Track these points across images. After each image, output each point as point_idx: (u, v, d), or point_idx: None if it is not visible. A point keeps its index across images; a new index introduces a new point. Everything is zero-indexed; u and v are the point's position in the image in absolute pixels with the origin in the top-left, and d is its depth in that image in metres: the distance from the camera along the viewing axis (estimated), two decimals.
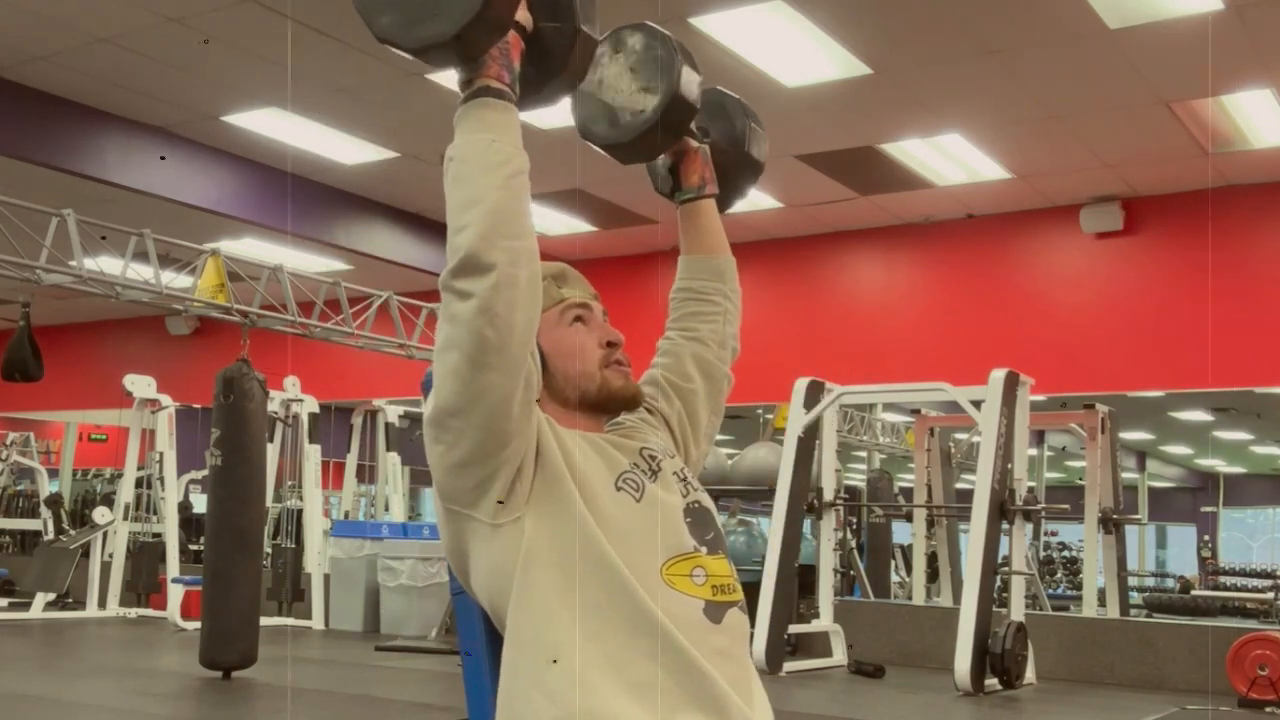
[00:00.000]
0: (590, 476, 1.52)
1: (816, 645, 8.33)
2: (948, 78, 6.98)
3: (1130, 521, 10.32)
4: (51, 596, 10.38)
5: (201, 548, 8.68)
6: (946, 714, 6.45)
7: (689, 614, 1.48)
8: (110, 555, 10.64)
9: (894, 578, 11.80)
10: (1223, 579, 14.68)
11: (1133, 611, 10.72)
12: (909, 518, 9.75)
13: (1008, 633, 6.88)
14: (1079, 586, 12.31)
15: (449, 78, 6.77)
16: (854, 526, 10.43)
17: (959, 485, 10.53)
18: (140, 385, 10.52)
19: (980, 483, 7.08)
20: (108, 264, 7.70)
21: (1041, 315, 9.12)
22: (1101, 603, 8.95)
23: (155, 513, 11.12)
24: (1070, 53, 6.59)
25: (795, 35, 6.46)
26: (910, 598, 9.99)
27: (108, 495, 12.69)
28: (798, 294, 10.13)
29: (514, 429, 1.45)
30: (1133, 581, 13.75)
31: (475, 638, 1.61)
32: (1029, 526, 7.85)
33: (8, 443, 13.59)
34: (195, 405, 12.00)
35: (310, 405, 10.53)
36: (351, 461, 11.82)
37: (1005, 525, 7.18)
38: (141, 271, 7.59)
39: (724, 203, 1.88)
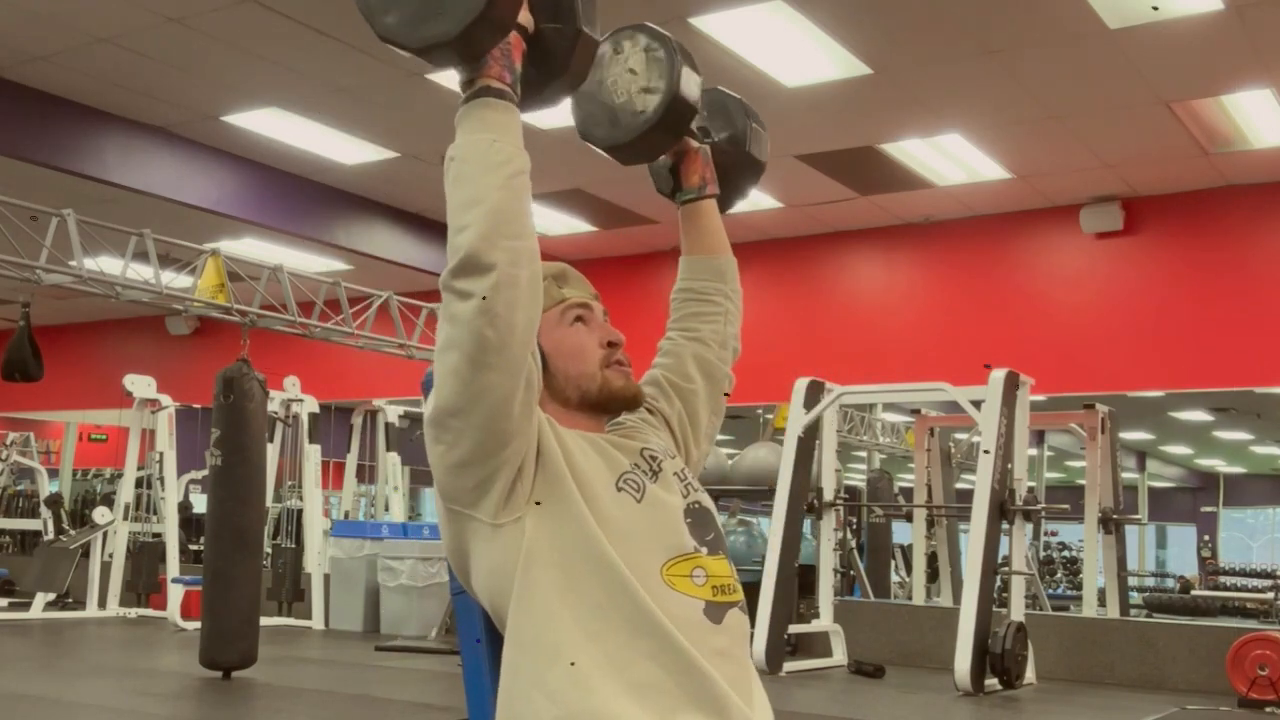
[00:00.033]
0: (591, 477, 1.52)
1: (816, 645, 8.33)
2: (948, 78, 6.98)
3: (1130, 521, 10.33)
4: (51, 596, 10.38)
5: (201, 548, 8.68)
6: (946, 714, 6.45)
7: (689, 614, 1.48)
8: (110, 555, 10.64)
9: (894, 578, 11.80)
10: (1223, 579, 14.68)
11: (1133, 611, 10.72)
12: (909, 518, 9.75)
13: (1008, 633, 6.88)
14: (1079, 586, 12.31)
15: (449, 78, 6.78)
16: (854, 526, 10.43)
17: (959, 485, 10.53)
18: (140, 385, 10.53)
19: (980, 483, 7.08)
20: (108, 264, 7.70)
21: (1041, 315, 9.12)
22: (1101, 603, 8.95)
23: (155, 513, 11.12)
24: (1070, 53, 6.59)
25: (795, 35, 6.46)
26: (910, 598, 9.99)
27: (108, 495, 12.70)
28: (798, 294, 10.13)
29: (514, 429, 1.45)
30: (1133, 581, 13.75)
31: (475, 637, 1.61)
32: (1029, 526, 7.85)
33: (8, 443, 13.59)
34: (195, 405, 12.00)
35: (310, 405, 10.53)
36: (351, 461, 11.83)
37: (1005, 525, 7.19)
38: (141, 271, 7.59)
39: (725, 203, 1.88)
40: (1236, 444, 17.13)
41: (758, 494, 9.68)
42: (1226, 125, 7.53)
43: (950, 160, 8.32)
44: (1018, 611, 7.17)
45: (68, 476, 15.13)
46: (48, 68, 7.33)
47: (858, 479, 12.65)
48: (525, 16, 1.48)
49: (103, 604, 10.50)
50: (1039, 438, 12.02)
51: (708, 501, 1.64)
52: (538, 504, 1.49)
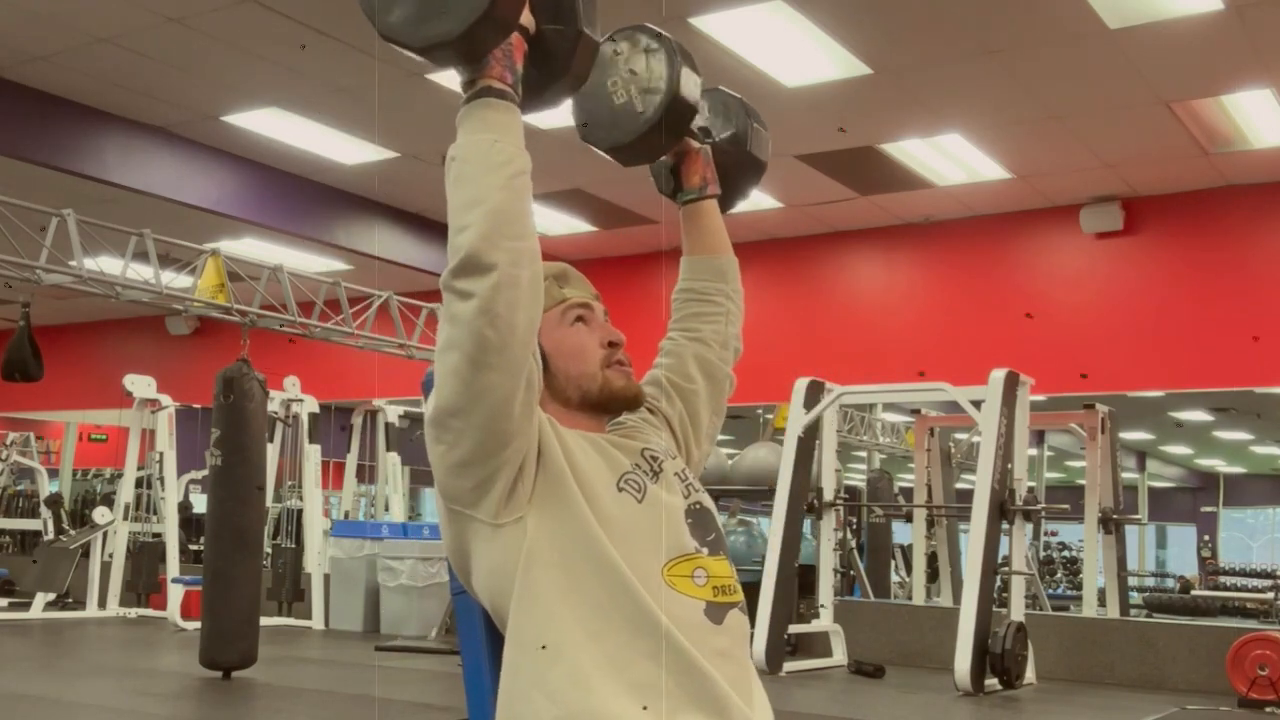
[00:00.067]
0: (592, 477, 1.52)
1: (816, 645, 8.33)
2: (948, 78, 6.98)
3: (1130, 521, 10.33)
4: (51, 596, 10.38)
5: (201, 548, 8.68)
6: (946, 714, 6.45)
7: (690, 615, 1.48)
8: (110, 555, 10.64)
9: (894, 578, 11.80)
10: (1223, 579, 14.67)
11: (1133, 611, 10.72)
12: (909, 518, 9.75)
13: (1008, 633, 6.88)
14: (1079, 586, 12.31)
15: (449, 78, 6.78)
16: (854, 526, 10.43)
17: (959, 485, 10.53)
18: (140, 385, 10.53)
19: (980, 483, 7.08)
20: (108, 264, 7.71)
21: (1042, 315, 9.12)
22: (1101, 603, 8.95)
23: (155, 513, 11.12)
24: (1070, 53, 6.59)
25: (795, 35, 6.46)
26: (910, 598, 9.99)
27: (108, 495, 12.70)
28: (798, 294, 10.13)
29: (515, 429, 1.45)
30: (1133, 581, 13.74)
31: (475, 638, 1.61)
32: (1029, 526, 7.85)
33: (8, 443, 13.59)
34: (195, 405, 12.00)
35: (310, 405, 10.53)
36: (351, 461, 11.83)
37: (1005, 525, 7.19)
38: (141, 271, 7.59)
39: (726, 203, 1.88)
40: (1236, 444, 17.13)
41: (758, 494, 9.68)
42: (1226, 125, 7.53)
43: (950, 160, 8.32)
44: (1018, 611, 7.16)
45: (68, 476, 15.13)
46: (48, 68, 7.33)
47: (858, 479, 12.65)
48: (526, 17, 1.47)
49: (103, 604, 10.50)
50: (1039, 438, 12.02)
51: (708, 502, 1.64)
52: (539, 504, 1.49)
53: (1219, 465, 20.07)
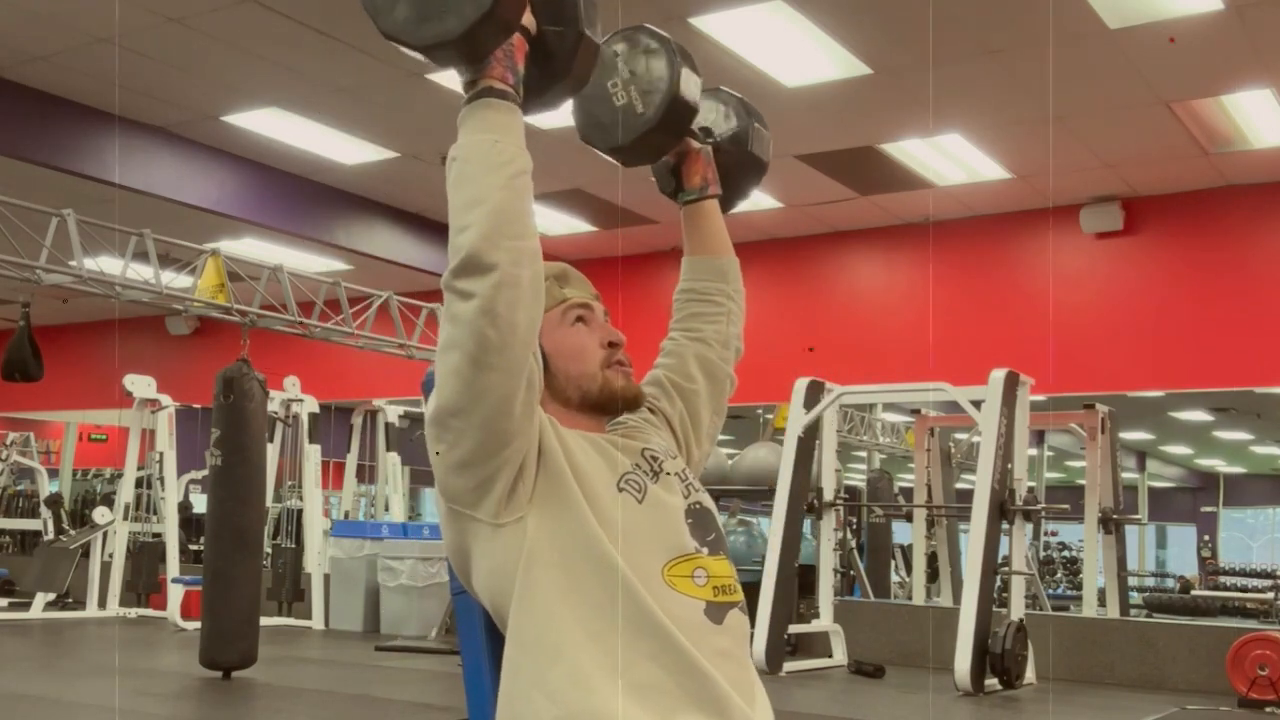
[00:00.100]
0: (592, 477, 1.52)
1: (816, 645, 8.33)
2: (948, 78, 6.98)
3: (1130, 521, 10.33)
4: (51, 596, 10.38)
5: (201, 548, 8.68)
6: (946, 714, 6.45)
7: (690, 615, 1.48)
8: (110, 555, 10.64)
9: (894, 578, 11.79)
10: (1223, 579, 14.67)
11: (1133, 611, 10.72)
12: (909, 518, 9.74)
13: (1008, 633, 6.88)
14: (1079, 586, 12.31)
15: (449, 77, 6.78)
16: (854, 526, 10.42)
17: (959, 485, 10.53)
18: (140, 385, 10.52)
19: (980, 483, 7.08)
20: (108, 264, 7.70)
21: (1041, 315, 9.11)
22: (1101, 603, 8.95)
23: (155, 513, 11.12)
24: (1070, 53, 6.59)
25: (795, 35, 6.46)
26: (910, 598, 9.99)
27: (108, 495, 12.70)
28: (798, 294, 10.13)
29: (515, 429, 1.46)
30: (1133, 581, 13.75)
31: (475, 638, 1.61)
32: (1029, 526, 7.85)
33: (8, 443, 13.59)
34: (195, 405, 12.00)
35: (310, 405, 10.53)
36: (351, 461, 11.82)
37: (1005, 525, 7.18)
38: (141, 271, 7.59)
39: (727, 203, 1.89)
40: (1236, 444, 17.13)
41: (758, 494, 9.68)
42: (1226, 125, 7.53)
43: (950, 160, 8.32)
44: (1018, 611, 7.16)
45: (68, 476, 15.12)
46: (48, 68, 7.33)
47: (858, 479, 12.65)
48: (528, 18, 1.48)
49: (103, 604, 10.50)
50: (1039, 438, 12.02)
51: (709, 502, 1.64)
52: (539, 504, 1.49)
53: (1219, 465, 20.08)
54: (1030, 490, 7.43)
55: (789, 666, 7.62)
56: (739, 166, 1.89)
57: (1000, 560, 7.19)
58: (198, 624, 6.96)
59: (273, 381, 7.95)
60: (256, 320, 7.85)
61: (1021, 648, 7.00)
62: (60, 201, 7.26)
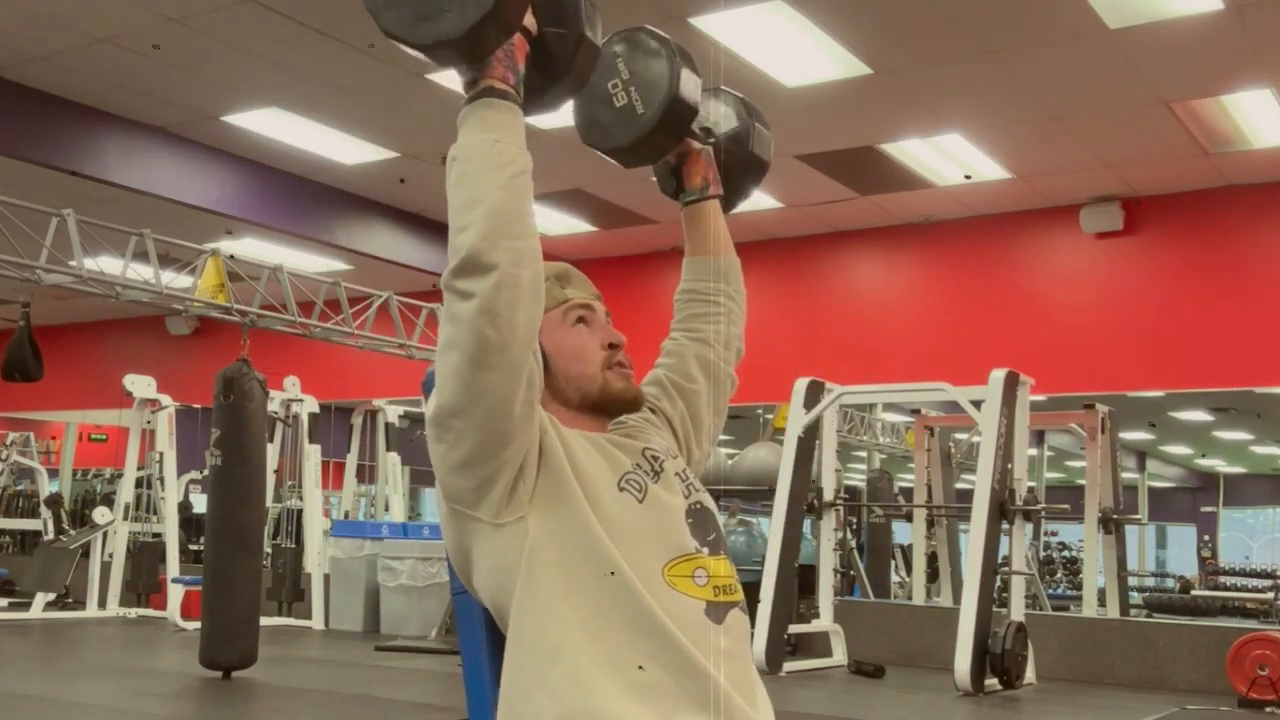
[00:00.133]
0: (593, 476, 1.52)
1: (816, 645, 8.33)
2: (948, 78, 6.98)
3: (1130, 521, 10.32)
4: (51, 596, 10.38)
5: (201, 548, 8.68)
6: (946, 714, 6.45)
7: (691, 615, 1.48)
8: (110, 555, 10.64)
9: (894, 578, 11.80)
10: (1223, 579, 14.67)
11: (1133, 611, 10.72)
12: (909, 518, 9.75)
13: (1008, 633, 6.88)
14: (1079, 586, 12.31)
15: (449, 77, 6.78)
16: (854, 526, 10.43)
17: (959, 485, 10.53)
18: (140, 385, 10.52)
19: (980, 483, 7.08)
20: (108, 264, 7.70)
21: (1041, 315, 9.12)
22: (1101, 603, 8.95)
23: (155, 513, 11.12)
24: (1070, 53, 6.59)
25: (795, 35, 6.46)
26: (910, 598, 9.99)
27: (108, 495, 12.70)
28: (798, 294, 10.13)
29: (515, 429, 1.46)
30: (1133, 581, 13.75)
31: (475, 638, 1.61)
32: (1029, 526, 7.85)
33: (8, 443, 13.59)
34: (195, 405, 12.00)
35: (310, 405, 10.53)
36: (351, 461, 11.82)
37: (1005, 525, 7.18)
38: (141, 271, 7.59)
39: (729, 203, 1.89)
40: (1236, 444, 17.13)
41: (758, 494, 9.68)
42: (1226, 125, 7.53)
43: (950, 160, 8.32)
44: (1018, 611, 7.16)
45: (68, 476, 15.13)
46: (48, 68, 7.33)
47: (858, 479, 12.65)
48: (528, 20, 1.47)
49: (103, 604, 10.50)
50: (1039, 438, 12.02)
51: (709, 502, 1.64)
52: (540, 503, 1.49)
53: (1219, 465, 20.07)
54: (1030, 490, 7.43)
55: (789, 666, 7.62)
56: (740, 166, 1.89)
57: (1000, 560, 7.19)
58: (198, 624, 6.96)
59: (273, 381, 7.95)
60: (256, 320, 7.85)
61: (1021, 648, 7.00)
62: (60, 201, 7.26)
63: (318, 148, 8.54)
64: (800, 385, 7.96)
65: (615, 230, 10.19)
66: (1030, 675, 7.26)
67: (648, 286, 9.61)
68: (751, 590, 7.13)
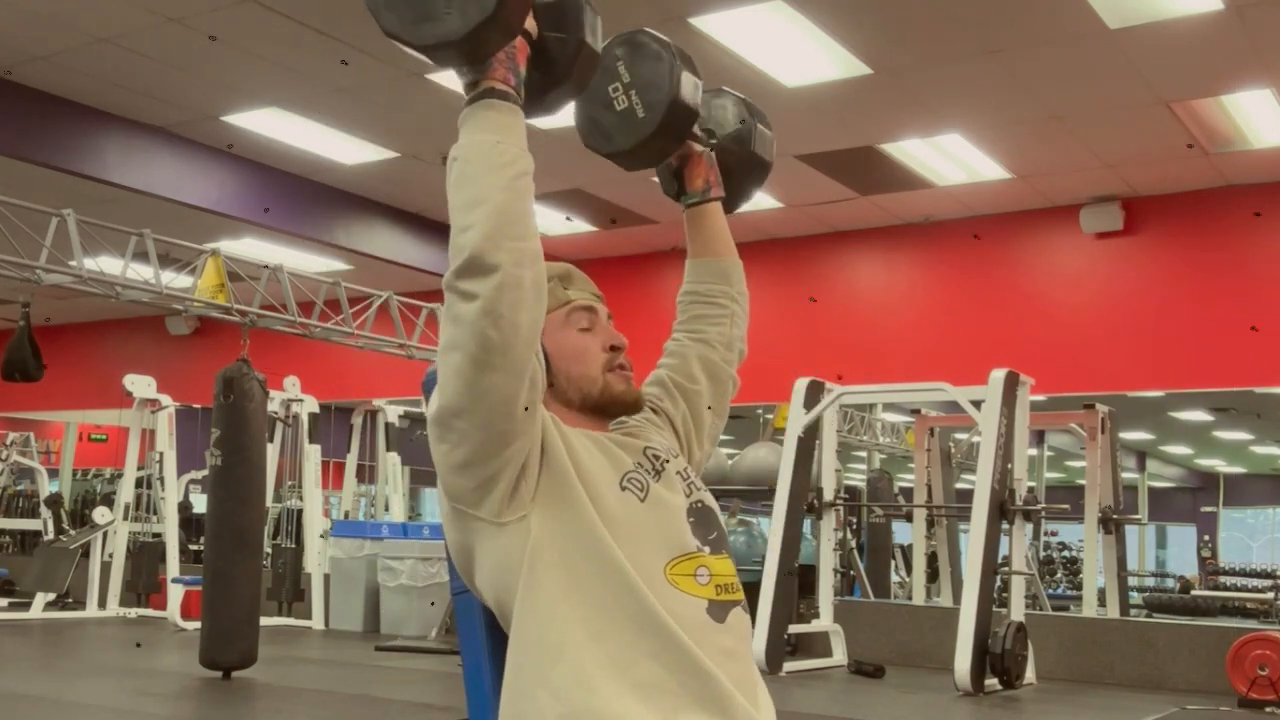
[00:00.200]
0: (595, 476, 1.52)
1: (816, 645, 8.33)
2: (948, 78, 6.98)
3: (1130, 521, 10.33)
4: (51, 596, 10.38)
5: (201, 548, 8.68)
6: (946, 714, 6.45)
7: (693, 614, 1.48)
8: (110, 555, 10.64)
9: (894, 578, 11.80)
10: (1223, 579, 14.68)
11: (1133, 611, 10.72)
12: (909, 518, 9.75)
13: (1008, 633, 6.88)
14: (1079, 586, 12.31)
15: (449, 77, 6.77)
16: (854, 526, 10.43)
17: (959, 485, 10.53)
18: (140, 385, 10.52)
19: (980, 483, 7.08)
20: (108, 264, 7.70)
21: (1041, 315, 9.12)
22: (1101, 603, 8.95)
23: (155, 513, 11.12)
24: (1070, 53, 6.59)
25: (795, 35, 6.46)
26: (910, 598, 9.99)
27: (108, 495, 12.70)
28: (798, 294, 10.13)
29: (517, 429, 1.46)
30: (1133, 581, 13.75)
31: (475, 637, 1.61)
32: (1029, 526, 7.85)
33: (8, 443, 13.59)
34: (195, 405, 12.00)
35: (310, 405, 10.53)
36: (351, 461, 11.82)
37: (1005, 525, 7.19)
38: (141, 271, 7.59)
39: (731, 204, 1.89)
40: (1236, 444, 17.13)
41: (758, 494, 9.68)
42: (1226, 125, 7.53)
43: (950, 160, 8.32)
44: (1018, 611, 7.17)
45: (68, 476, 15.13)
46: (48, 68, 7.33)
47: (858, 479, 12.65)
48: (529, 23, 1.48)
49: (103, 604, 10.50)
50: (1039, 438, 12.02)
51: (710, 501, 1.64)
52: (543, 503, 1.49)
53: (1219, 465, 20.08)
54: (1030, 490, 7.43)
55: (789, 666, 7.62)
56: (742, 166, 1.89)
57: (1000, 560, 7.19)
58: (198, 624, 6.96)
59: (273, 381, 7.95)
60: (256, 320, 7.85)
61: (1021, 648, 7.00)
62: (60, 201, 7.26)
63: (318, 148, 8.54)
64: (800, 385, 7.96)
65: (615, 230, 10.18)
66: (1030, 675, 7.26)
67: (648, 286, 9.60)
68: (751, 590, 7.12)
